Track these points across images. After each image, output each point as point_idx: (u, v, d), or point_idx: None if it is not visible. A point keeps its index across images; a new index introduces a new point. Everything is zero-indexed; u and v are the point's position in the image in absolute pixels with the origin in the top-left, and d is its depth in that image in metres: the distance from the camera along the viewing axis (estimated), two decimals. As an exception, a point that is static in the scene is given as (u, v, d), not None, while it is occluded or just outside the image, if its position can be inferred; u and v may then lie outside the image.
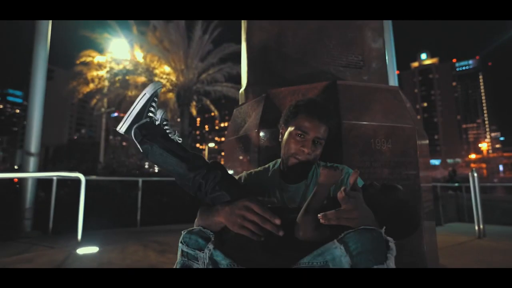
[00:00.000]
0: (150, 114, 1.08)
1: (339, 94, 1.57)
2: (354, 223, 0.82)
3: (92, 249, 3.28)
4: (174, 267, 0.95)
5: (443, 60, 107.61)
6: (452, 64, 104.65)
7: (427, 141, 1.85)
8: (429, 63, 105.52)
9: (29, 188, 4.65)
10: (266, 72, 2.09)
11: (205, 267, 0.90)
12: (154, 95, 1.10)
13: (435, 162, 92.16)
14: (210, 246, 0.92)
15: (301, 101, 1.17)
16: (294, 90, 1.66)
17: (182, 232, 0.98)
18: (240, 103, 2.21)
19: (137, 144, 1.05)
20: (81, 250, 3.22)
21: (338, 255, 0.80)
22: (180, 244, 0.95)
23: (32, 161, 4.83)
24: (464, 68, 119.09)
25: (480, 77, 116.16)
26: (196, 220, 1.04)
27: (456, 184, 7.51)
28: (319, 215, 0.82)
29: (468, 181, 4.47)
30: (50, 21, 5.28)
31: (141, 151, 1.05)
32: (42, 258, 2.98)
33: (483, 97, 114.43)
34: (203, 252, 0.91)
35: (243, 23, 2.37)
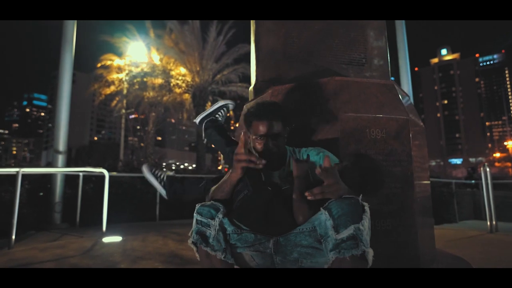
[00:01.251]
0: (217, 116, 1.82)
1: (338, 89, 1.72)
2: (336, 194, 0.98)
3: (116, 238, 3.56)
4: (189, 234, 1.15)
5: (464, 56, 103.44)
6: (475, 59, 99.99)
7: (423, 132, 1.96)
8: (449, 58, 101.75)
9: (58, 184, 5.01)
10: (273, 70, 2.26)
11: (216, 233, 1.09)
12: (224, 106, 1.86)
13: (457, 161, 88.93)
14: (220, 215, 1.12)
15: (251, 108, 1.36)
16: (295, 86, 1.82)
17: (197, 205, 1.17)
18: (249, 99, 2.39)
19: (203, 129, 1.77)
20: (107, 239, 3.51)
21: (323, 220, 0.98)
22: (195, 215, 1.15)
23: (60, 159, 5.20)
24: (488, 63, 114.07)
25: (506, 71, 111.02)
26: (209, 195, 1.25)
27: (473, 182, 7.38)
28: (306, 192, 0.99)
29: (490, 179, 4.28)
30: (76, 26, 5.57)
31: (205, 134, 1.77)
32: (73, 244, 3.28)
33: (510, 93, 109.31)
34: (214, 220, 1.10)
35: (252, 25, 2.54)
